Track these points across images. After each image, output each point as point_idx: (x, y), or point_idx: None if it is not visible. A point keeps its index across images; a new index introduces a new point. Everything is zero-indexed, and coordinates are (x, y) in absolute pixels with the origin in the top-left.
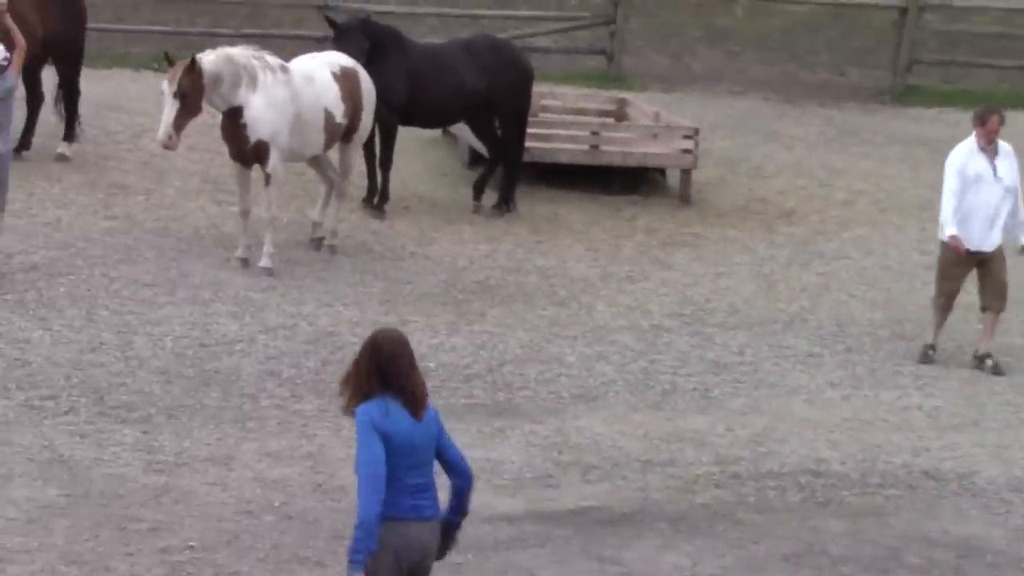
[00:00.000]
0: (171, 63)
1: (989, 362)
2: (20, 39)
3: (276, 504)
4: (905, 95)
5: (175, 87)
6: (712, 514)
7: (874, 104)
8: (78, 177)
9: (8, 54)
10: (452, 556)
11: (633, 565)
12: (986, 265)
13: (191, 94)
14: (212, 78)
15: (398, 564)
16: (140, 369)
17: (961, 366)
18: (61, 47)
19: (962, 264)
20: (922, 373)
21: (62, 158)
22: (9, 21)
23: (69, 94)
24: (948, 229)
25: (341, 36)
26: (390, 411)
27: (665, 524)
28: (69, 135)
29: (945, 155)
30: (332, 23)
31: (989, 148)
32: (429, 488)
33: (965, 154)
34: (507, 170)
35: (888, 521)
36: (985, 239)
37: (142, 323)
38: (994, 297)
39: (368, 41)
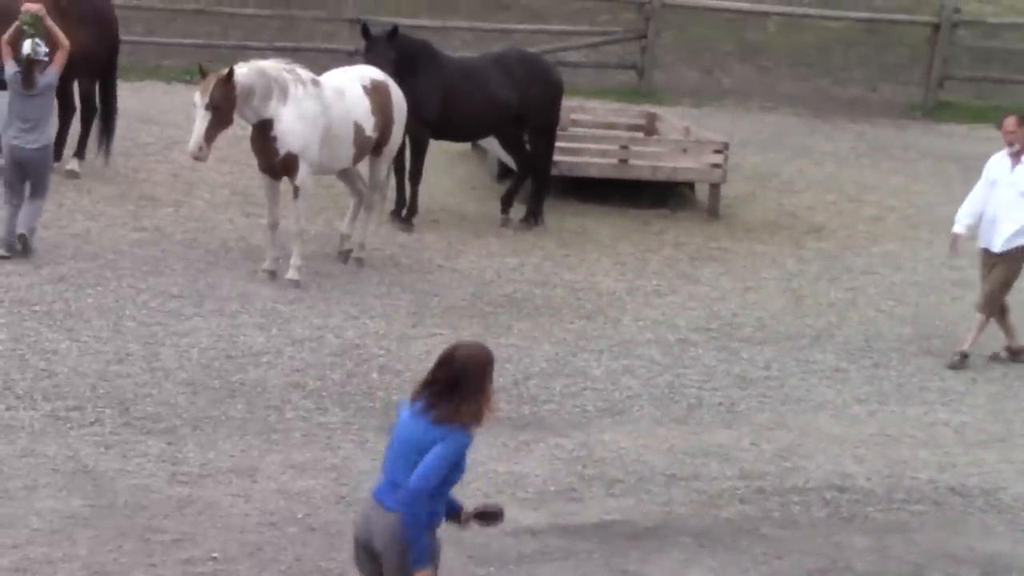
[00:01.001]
0: (204, 75)
1: (955, 358)
2: (63, 39)
3: (299, 516)
4: (937, 111)
5: (207, 99)
6: (736, 529)
7: (906, 120)
8: (108, 189)
9: (48, 50)
10: (475, 568)
11: None
12: (994, 267)
13: (223, 106)
14: (244, 90)
15: (354, 530)
16: (166, 380)
17: (988, 382)
18: (87, 63)
19: (984, 262)
20: (949, 388)
21: (72, 175)
22: (51, 22)
23: (86, 110)
24: (954, 226)
25: (371, 47)
26: (406, 406)
27: (689, 539)
28: (81, 152)
29: (976, 171)
30: (366, 33)
31: (1012, 152)
32: (396, 487)
33: (995, 159)
34: (536, 184)
35: (913, 537)
36: (991, 240)
37: (169, 334)
38: (983, 300)
39: (395, 52)
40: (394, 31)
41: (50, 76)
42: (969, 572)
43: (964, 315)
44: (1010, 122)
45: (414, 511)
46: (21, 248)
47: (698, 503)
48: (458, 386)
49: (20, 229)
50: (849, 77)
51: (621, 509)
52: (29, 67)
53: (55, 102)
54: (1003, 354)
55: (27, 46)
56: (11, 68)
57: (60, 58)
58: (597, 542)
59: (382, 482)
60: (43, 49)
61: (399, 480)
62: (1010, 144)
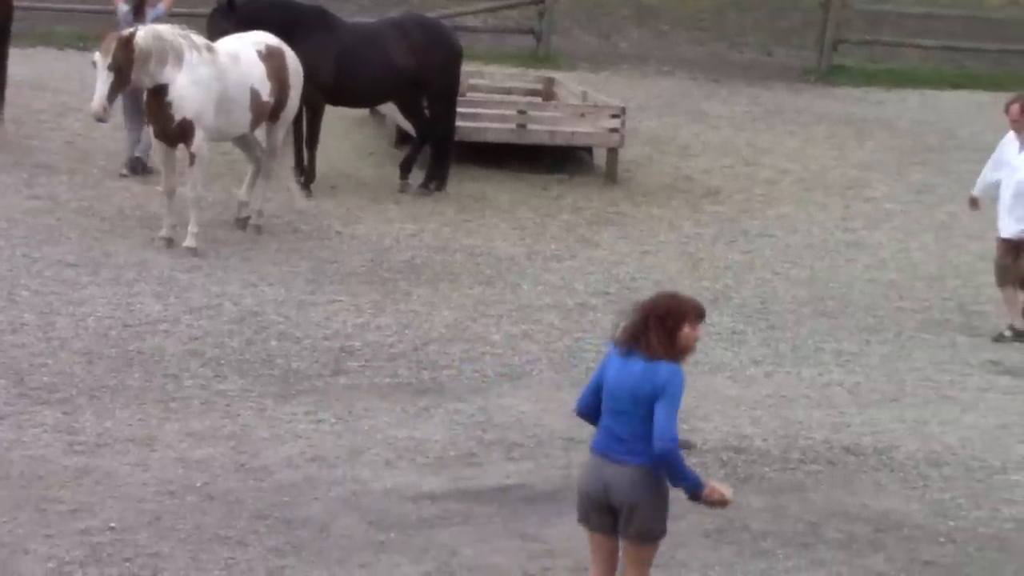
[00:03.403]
0: (103, 36)
1: (1008, 333)
2: None
3: (198, 484)
4: (831, 75)
5: (110, 59)
6: None
7: (800, 84)
8: (1, 157)
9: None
10: (375, 533)
11: (555, 543)
12: (1020, 252)
13: (125, 67)
14: (143, 54)
15: (580, 487)
16: (62, 350)
17: (882, 343)
18: None
19: (1001, 243)
20: (843, 350)
21: None
22: None
23: None
24: (973, 191)
25: (210, 16)
26: (614, 355)
27: None
28: None
29: (870, 134)
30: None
31: (1020, 136)
32: (626, 440)
33: (1007, 140)
34: (438, 150)
35: (808, 496)
36: (1005, 226)
37: (64, 303)
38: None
39: (230, 24)
40: (230, 4)
41: (159, 10)
42: (862, 529)
43: (858, 277)
44: (1015, 110)
45: (673, 463)
46: (140, 169)
47: None
48: (634, 318)
49: (137, 152)
50: (744, 41)
51: (521, 473)
52: (141, 3)
53: None
54: (1007, 332)
55: None
56: (123, 8)
57: (168, 2)
58: (497, 506)
59: (600, 435)
60: None
61: (621, 433)
62: (1017, 131)
